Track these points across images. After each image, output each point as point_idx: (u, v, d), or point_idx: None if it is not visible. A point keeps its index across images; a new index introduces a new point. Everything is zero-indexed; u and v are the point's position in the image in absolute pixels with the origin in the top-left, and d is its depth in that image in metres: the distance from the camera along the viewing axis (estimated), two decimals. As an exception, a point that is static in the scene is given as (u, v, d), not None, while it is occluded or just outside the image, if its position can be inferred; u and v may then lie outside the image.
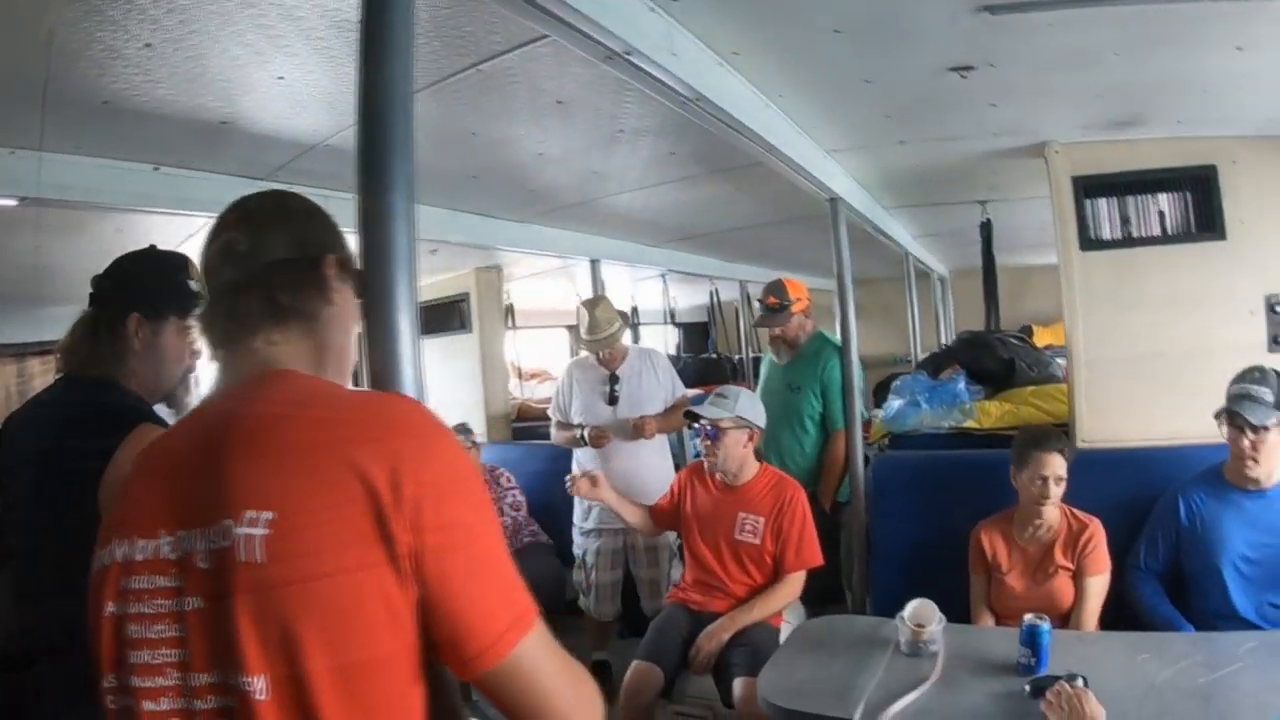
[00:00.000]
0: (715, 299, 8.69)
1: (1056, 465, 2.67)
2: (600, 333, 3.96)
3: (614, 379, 4.06)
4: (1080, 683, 1.89)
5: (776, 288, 3.98)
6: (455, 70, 2.29)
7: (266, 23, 1.90)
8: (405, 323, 1.14)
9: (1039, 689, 1.93)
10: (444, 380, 5.92)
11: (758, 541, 3.07)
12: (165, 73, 2.11)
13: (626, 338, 4.21)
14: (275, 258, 1.07)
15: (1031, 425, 2.97)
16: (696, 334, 10.86)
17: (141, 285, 1.81)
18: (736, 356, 8.86)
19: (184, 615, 0.89)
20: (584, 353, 4.26)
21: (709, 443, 3.08)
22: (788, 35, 2.31)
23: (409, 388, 1.15)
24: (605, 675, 3.99)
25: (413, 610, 0.89)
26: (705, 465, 3.19)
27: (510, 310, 6.62)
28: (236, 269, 1.06)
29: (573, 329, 8.47)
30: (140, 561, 0.92)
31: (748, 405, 3.13)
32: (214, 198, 1.53)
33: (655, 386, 4.11)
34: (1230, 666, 2.03)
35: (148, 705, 0.90)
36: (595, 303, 4.07)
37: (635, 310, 8.91)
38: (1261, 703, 1.86)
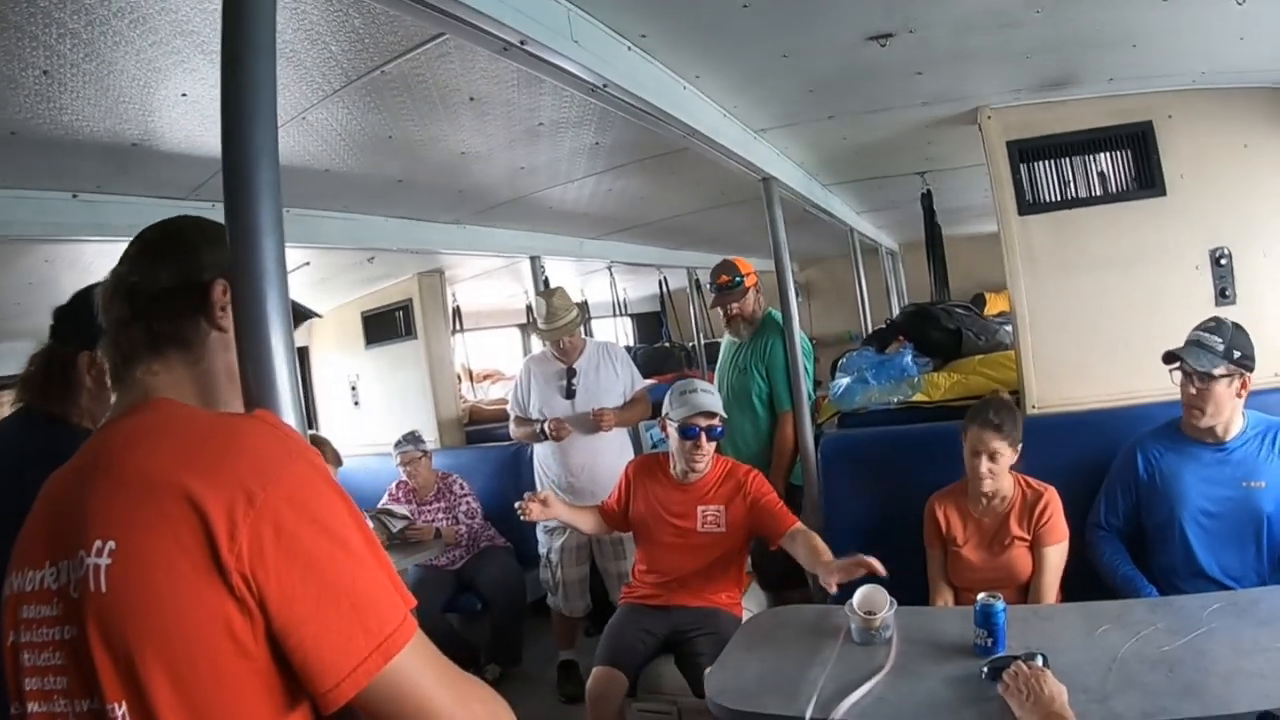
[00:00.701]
0: (665, 288, 8.64)
1: (986, 440, 2.64)
2: (558, 321, 3.94)
3: (571, 373, 4.03)
4: (1039, 661, 1.84)
5: (727, 266, 3.94)
6: (359, 74, 2.23)
7: (161, 39, 1.85)
8: (278, 336, 1.08)
9: (996, 670, 1.87)
10: (392, 389, 5.85)
11: (723, 530, 3.02)
12: (68, 99, 2.06)
13: (583, 332, 4.17)
14: (160, 288, 1.08)
15: (988, 398, 2.92)
16: (649, 324, 10.82)
17: (92, 322, 1.76)
18: (690, 344, 8.81)
19: (64, 644, 0.90)
20: (541, 348, 4.22)
21: (705, 444, 3.00)
22: (696, 14, 2.24)
23: (285, 400, 1.09)
24: (573, 676, 3.98)
25: (262, 640, 0.87)
26: (684, 466, 3.06)
27: (457, 313, 6.51)
28: (126, 303, 1.08)
29: (524, 327, 8.40)
30: (30, 592, 0.94)
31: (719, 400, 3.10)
32: (135, 221, 1.48)
33: (613, 379, 4.09)
34: (1195, 631, 1.98)
35: None
36: (551, 293, 4.03)
37: (585, 304, 8.85)
38: (1230, 666, 1.82)
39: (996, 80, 3.13)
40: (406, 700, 0.91)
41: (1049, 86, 3.20)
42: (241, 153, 1.09)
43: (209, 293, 1.09)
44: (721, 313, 4.03)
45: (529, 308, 4.61)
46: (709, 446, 3.00)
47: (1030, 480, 2.71)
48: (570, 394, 4.01)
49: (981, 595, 2.08)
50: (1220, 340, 2.48)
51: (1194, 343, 2.53)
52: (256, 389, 1.07)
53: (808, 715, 1.88)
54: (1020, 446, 2.67)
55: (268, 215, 1.08)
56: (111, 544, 0.86)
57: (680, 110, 2.58)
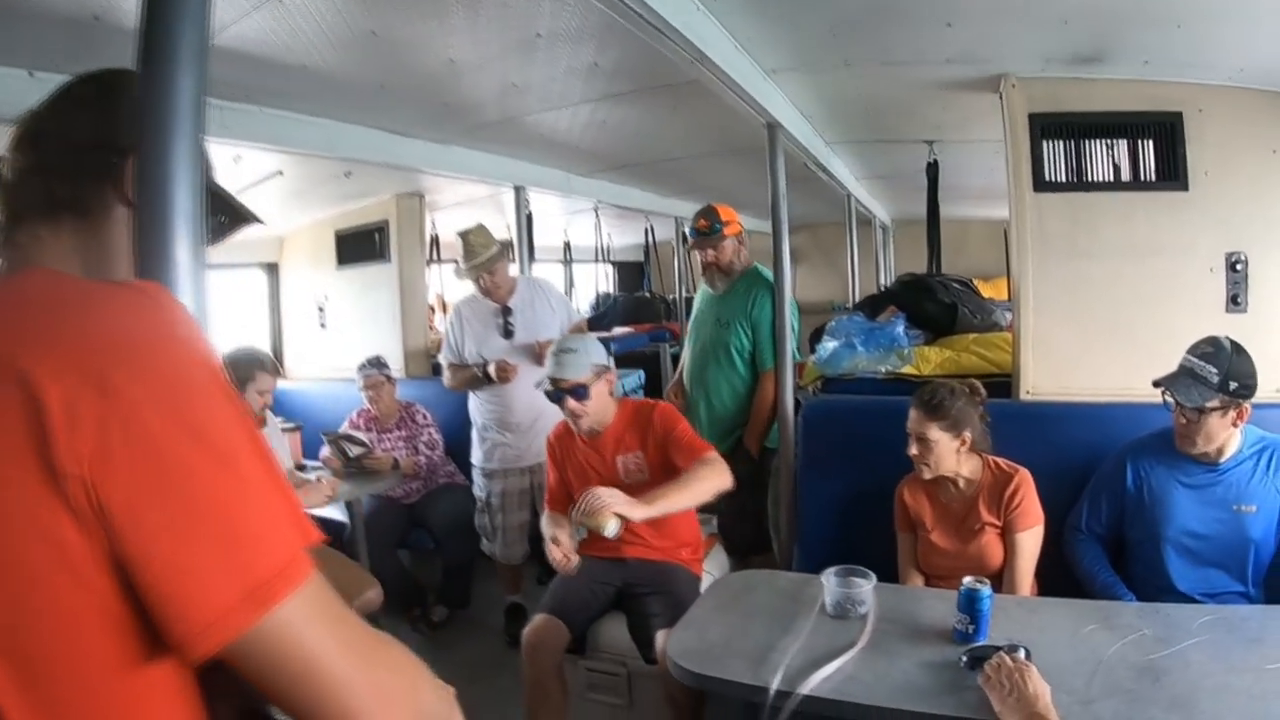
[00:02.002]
0: (650, 237, 8.50)
1: (917, 421, 2.55)
2: (476, 258, 3.84)
3: (507, 310, 3.94)
4: (1022, 654, 1.74)
5: (707, 210, 3.79)
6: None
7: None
8: (183, 191, 0.89)
9: (977, 660, 1.78)
10: (361, 312, 5.69)
11: (646, 476, 2.87)
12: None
13: (514, 270, 4.08)
14: (73, 140, 0.91)
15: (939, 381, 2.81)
16: (632, 273, 10.70)
17: None
18: (671, 296, 8.67)
19: None
20: (470, 290, 4.08)
21: (577, 404, 2.84)
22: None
23: (183, 274, 0.89)
24: (520, 619, 3.90)
25: (106, 567, 0.65)
26: (575, 427, 2.93)
27: (435, 241, 6.32)
28: (33, 152, 0.91)
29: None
30: None
31: (594, 348, 2.92)
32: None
33: (549, 314, 4.02)
34: (1184, 641, 1.89)
35: None
36: (469, 231, 3.90)
37: (568, 246, 8.67)
38: (1219, 682, 1.72)
39: (1027, 45, 2.96)
40: (292, 662, 0.69)
41: (1080, 61, 3.03)
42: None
43: (125, 159, 0.90)
44: (699, 260, 3.88)
45: (506, 244, 4.47)
46: (583, 405, 2.84)
47: (1000, 462, 2.59)
48: (508, 333, 3.92)
49: (967, 579, 1.98)
50: (1216, 371, 2.30)
51: (1187, 372, 2.37)
52: (149, 268, 0.87)
53: (773, 687, 1.78)
54: (968, 435, 2.53)
55: (186, 79, 0.90)
56: None
57: (691, 32, 2.38)
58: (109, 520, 0.64)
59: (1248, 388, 2.31)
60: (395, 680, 0.78)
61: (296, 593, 0.69)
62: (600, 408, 2.88)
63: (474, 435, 4.09)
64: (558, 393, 2.84)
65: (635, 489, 2.78)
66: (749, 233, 3.94)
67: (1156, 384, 2.42)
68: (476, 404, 4.04)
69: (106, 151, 0.90)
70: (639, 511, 2.50)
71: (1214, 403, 2.30)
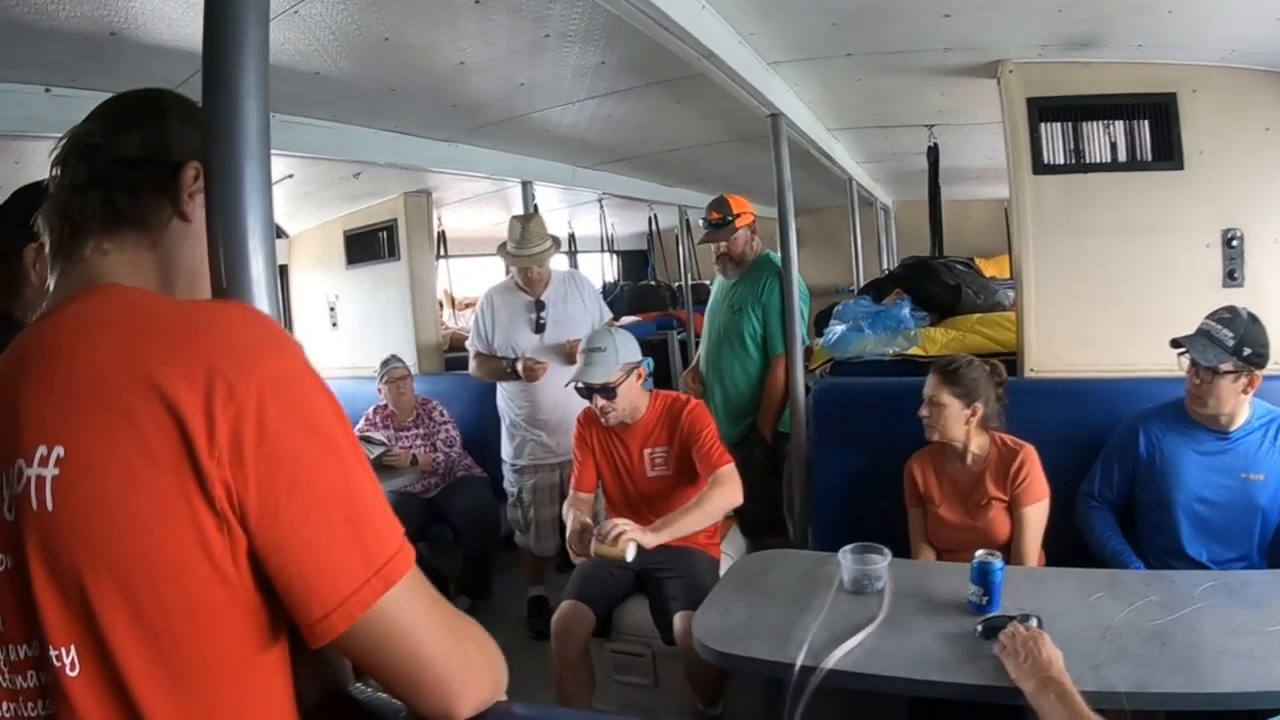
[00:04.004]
0: (654, 225, 8.50)
1: (932, 385, 2.65)
2: (531, 247, 3.79)
3: (539, 305, 3.89)
4: (1034, 623, 1.81)
5: (719, 203, 3.83)
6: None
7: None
8: (255, 214, 0.93)
9: (992, 630, 1.85)
10: (372, 311, 5.74)
11: (670, 472, 2.97)
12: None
13: (554, 261, 4.03)
14: (125, 154, 0.92)
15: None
16: (635, 261, 10.72)
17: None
18: (676, 284, 8.69)
19: None
20: (505, 277, 4.07)
21: (605, 402, 2.90)
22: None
23: (260, 289, 0.94)
24: (543, 611, 3.91)
25: (244, 562, 0.73)
26: (603, 421, 2.99)
27: (442, 237, 6.36)
28: (84, 165, 0.91)
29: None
30: None
31: (625, 345, 2.96)
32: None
33: (581, 310, 3.97)
34: (1188, 607, 1.96)
35: None
36: (528, 217, 3.86)
37: (572, 237, 8.70)
38: (1221, 646, 1.80)
39: (1023, 32, 3.02)
40: (400, 638, 0.78)
41: (1075, 46, 3.08)
42: (227, 41, 0.93)
43: (179, 173, 0.94)
44: (713, 250, 3.92)
45: (558, 240, 4.47)
46: (612, 403, 2.90)
47: (1006, 438, 2.66)
48: (539, 328, 3.88)
49: (980, 552, 2.05)
50: (1231, 335, 2.39)
51: (1204, 333, 2.45)
52: (230, 286, 0.92)
53: (798, 663, 1.84)
54: (979, 408, 2.61)
55: (252, 77, 0.93)
56: (59, 450, 0.71)
57: (697, 28, 2.43)
58: (246, 517, 0.71)
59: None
60: (479, 655, 0.87)
61: (409, 573, 0.78)
62: (629, 403, 2.93)
63: (504, 430, 4.08)
64: (588, 391, 2.92)
65: (658, 481, 2.92)
66: (758, 217, 3.98)
67: (1174, 343, 2.49)
68: (505, 399, 4.02)
69: (159, 165, 0.94)
70: (653, 539, 2.58)
71: (1227, 365, 2.38)
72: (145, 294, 0.87)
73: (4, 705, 0.76)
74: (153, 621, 0.71)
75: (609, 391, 2.87)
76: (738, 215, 3.79)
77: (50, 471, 0.71)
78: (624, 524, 2.57)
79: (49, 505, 0.71)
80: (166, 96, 1.00)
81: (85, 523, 0.70)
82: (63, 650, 0.71)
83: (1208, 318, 2.48)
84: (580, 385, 2.92)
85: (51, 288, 0.90)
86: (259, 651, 0.77)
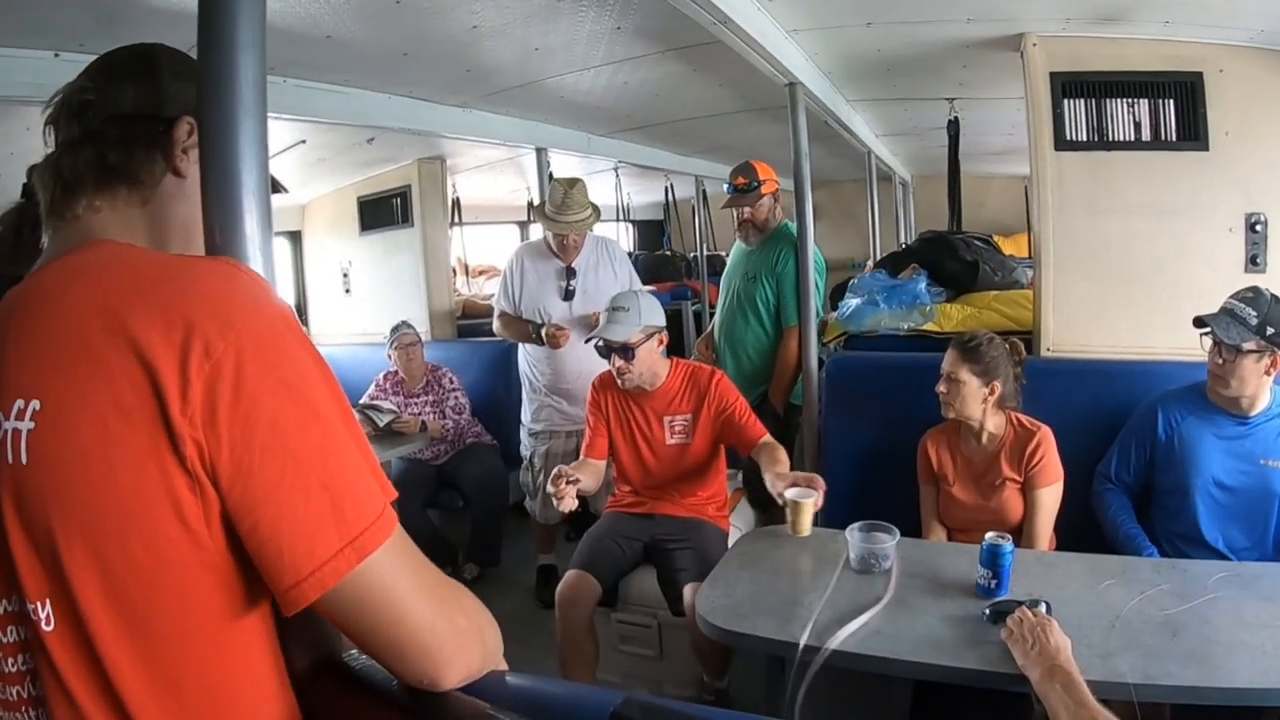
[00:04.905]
0: (670, 195, 8.44)
1: (950, 361, 2.62)
2: (572, 214, 3.71)
3: (570, 272, 3.83)
4: (1043, 609, 1.79)
5: (745, 168, 3.79)
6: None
7: None
8: (250, 171, 0.91)
9: (1000, 614, 1.83)
10: (385, 277, 5.73)
11: (690, 440, 2.95)
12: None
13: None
14: (118, 111, 0.92)
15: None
16: (651, 231, 10.68)
17: None
18: (691, 254, 8.64)
19: None
20: (538, 237, 3.99)
21: (623, 363, 2.87)
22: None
23: (254, 247, 0.92)
24: (552, 580, 3.91)
25: (216, 525, 0.71)
26: (619, 383, 2.96)
27: (456, 204, 6.33)
28: (76, 121, 0.92)
29: (524, 224, 8.19)
30: None
31: (649, 308, 2.94)
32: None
33: (612, 280, 3.89)
34: (1200, 597, 1.93)
35: None
36: (571, 182, 3.76)
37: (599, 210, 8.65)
38: (1233, 638, 1.77)
39: (1047, 4, 2.95)
40: (380, 607, 0.76)
41: (1101, 20, 3.01)
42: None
43: (172, 129, 0.93)
44: (735, 216, 3.88)
45: (530, 204, 4.37)
46: (629, 364, 2.87)
47: (1023, 419, 2.63)
48: (569, 295, 3.82)
49: (990, 535, 2.02)
50: (1255, 314, 2.35)
51: (1227, 312, 2.41)
52: (223, 243, 0.90)
53: (802, 642, 1.83)
54: (997, 386, 2.57)
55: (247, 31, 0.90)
56: (35, 404, 0.71)
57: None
58: (219, 479, 0.70)
59: None
60: (467, 623, 0.85)
61: (388, 541, 0.76)
62: (647, 367, 2.91)
63: (524, 394, 4.04)
64: (607, 348, 2.90)
65: (676, 449, 2.91)
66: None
67: (1197, 321, 2.45)
68: (527, 363, 3.97)
69: (152, 120, 0.93)
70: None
71: (1250, 344, 2.34)
72: (133, 249, 0.85)
73: None
74: (122, 580, 0.70)
75: (628, 351, 2.85)
76: (763, 181, 3.75)
77: (26, 425, 0.71)
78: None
79: (24, 459, 0.70)
80: (159, 51, 0.99)
81: (56, 477, 0.70)
82: (38, 604, 0.71)
83: (1231, 297, 2.44)
84: (600, 343, 2.90)
85: (45, 246, 0.90)
86: (236, 617, 0.76)
